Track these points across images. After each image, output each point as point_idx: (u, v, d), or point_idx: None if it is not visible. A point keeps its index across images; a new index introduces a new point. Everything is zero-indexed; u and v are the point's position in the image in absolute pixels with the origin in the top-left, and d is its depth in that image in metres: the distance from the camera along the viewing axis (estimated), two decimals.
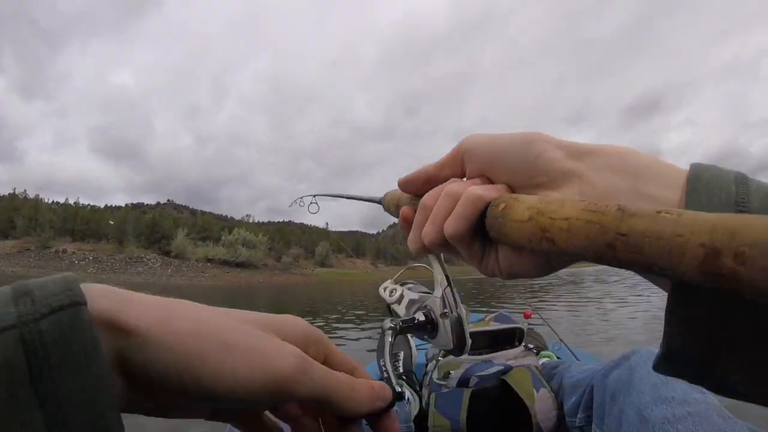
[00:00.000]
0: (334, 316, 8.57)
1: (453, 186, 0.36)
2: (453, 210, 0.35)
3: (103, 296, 0.23)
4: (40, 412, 0.19)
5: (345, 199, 0.74)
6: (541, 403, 1.05)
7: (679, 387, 0.75)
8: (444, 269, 0.45)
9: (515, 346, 1.31)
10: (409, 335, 1.44)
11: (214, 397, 0.24)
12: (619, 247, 0.23)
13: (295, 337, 0.29)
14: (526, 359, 1.25)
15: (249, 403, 0.25)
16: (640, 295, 9.52)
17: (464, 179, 0.39)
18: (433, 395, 1.18)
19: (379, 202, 0.56)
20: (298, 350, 0.27)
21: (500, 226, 0.32)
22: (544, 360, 1.35)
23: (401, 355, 1.48)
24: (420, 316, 0.45)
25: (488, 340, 1.40)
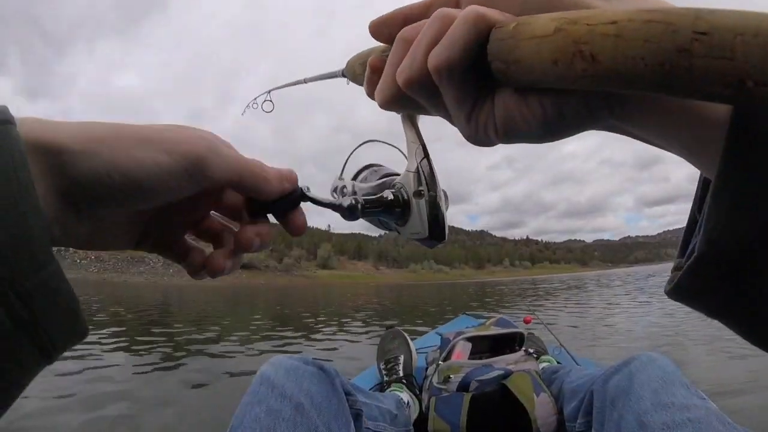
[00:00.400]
0: (334, 321, 8.56)
1: (445, 9, 0.27)
2: (443, 37, 0.26)
3: (31, 121, 0.25)
4: None
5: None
6: (541, 408, 1.05)
7: (679, 392, 0.75)
8: (419, 135, 0.37)
9: (515, 351, 1.31)
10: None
11: (143, 190, 0.27)
12: (697, 52, 0.16)
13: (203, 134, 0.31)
14: (527, 364, 1.25)
15: (175, 188, 0.28)
16: (640, 301, 9.51)
17: None
18: (433, 399, 1.17)
19: (341, 74, 0.45)
20: (210, 134, 0.30)
21: (510, 50, 0.23)
22: (545, 365, 1.35)
23: (401, 358, 1.48)
24: (388, 195, 0.37)
25: (489, 344, 1.40)
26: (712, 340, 4.14)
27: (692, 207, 0.28)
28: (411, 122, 0.37)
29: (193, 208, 0.34)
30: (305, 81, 0.63)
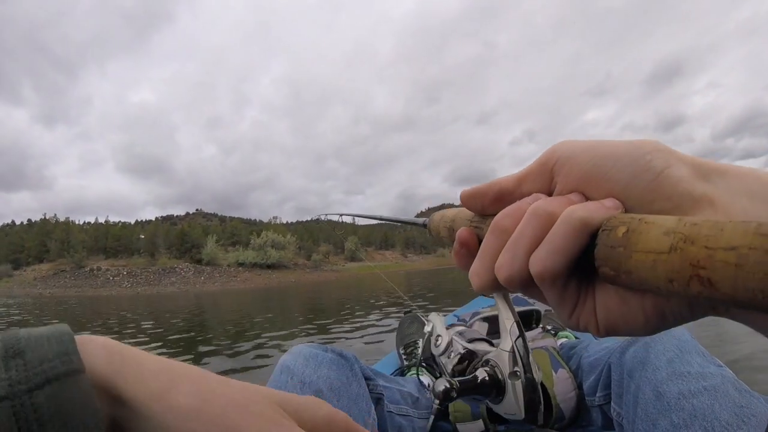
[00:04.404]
0: (360, 311, 8.62)
1: (543, 203, 0.27)
2: (544, 237, 0.26)
3: (100, 358, 0.21)
4: None
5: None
6: (560, 384, 1.03)
7: (695, 361, 0.73)
8: (514, 313, 0.35)
9: (533, 328, 1.29)
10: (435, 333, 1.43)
11: None
12: None
13: (313, 424, 0.25)
14: (544, 341, 1.23)
15: None
16: None
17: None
18: None
19: (423, 225, 0.45)
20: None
21: (621, 260, 0.23)
22: (563, 340, 1.33)
23: (420, 342, 1.48)
24: (482, 374, 0.35)
25: None
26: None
27: None
28: (504, 298, 0.36)
29: None
30: (381, 219, 0.63)
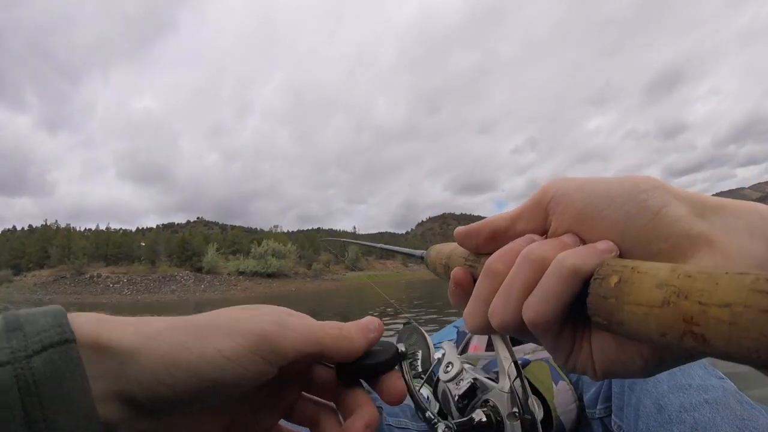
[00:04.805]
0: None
1: (534, 248, 0.27)
2: (536, 282, 0.26)
3: (88, 324, 0.23)
4: None
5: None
6: (560, 396, 1.02)
7: (697, 373, 0.73)
8: (512, 354, 0.34)
9: None
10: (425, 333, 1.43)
11: (212, 383, 0.24)
12: None
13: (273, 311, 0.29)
14: (544, 352, 1.23)
15: (245, 375, 0.25)
16: None
17: (545, 237, 0.30)
18: None
19: (420, 258, 0.46)
20: (272, 308, 0.28)
21: (613, 311, 0.22)
22: None
23: (419, 354, 1.46)
24: (480, 416, 0.35)
25: None
26: None
27: None
28: (502, 340, 0.36)
29: (281, 392, 0.31)
30: (381, 247, 0.66)
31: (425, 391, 1.26)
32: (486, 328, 0.30)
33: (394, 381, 0.30)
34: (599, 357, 0.26)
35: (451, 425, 0.35)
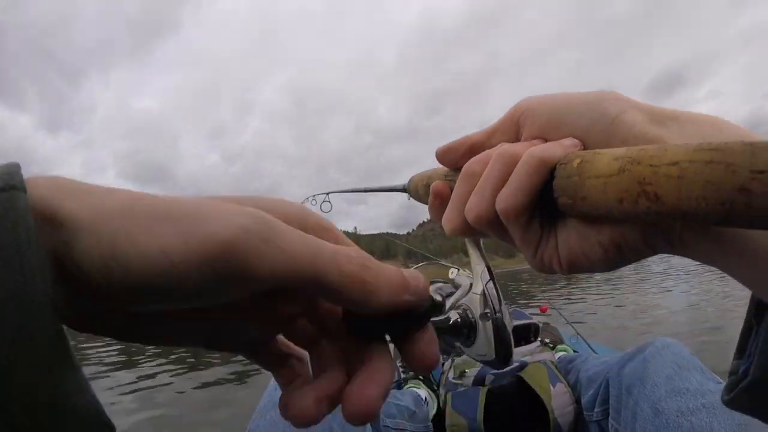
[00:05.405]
0: None
1: (507, 147, 0.29)
2: (509, 176, 0.28)
3: (44, 185, 0.19)
4: None
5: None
6: (557, 398, 1.02)
7: (694, 378, 0.72)
8: (484, 258, 0.37)
9: (531, 342, 1.29)
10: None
11: (149, 284, 0.18)
12: (756, 190, 0.17)
13: (283, 215, 0.20)
14: (542, 354, 1.23)
15: (193, 292, 0.18)
16: (664, 287, 9.23)
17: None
18: (449, 395, 1.16)
19: (403, 189, 0.47)
20: (255, 211, 0.19)
21: (576, 187, 0.25)
22: (561, 354, 1.32)
23: None
24: (454, 316, 0.36)
25: None
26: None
27: (748, 310, 0.27)
28: (476, 244, 0.38)
29: (275, 305, 0.23)
30: (365, 190, 0.64)
31: (422, 393, 1.26)
32: (462, 228, 0.32)
33: (427, 342, 0.22)
34: (564, 249, 0.28)
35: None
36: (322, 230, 0.22)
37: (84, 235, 0.18)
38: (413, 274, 0.22)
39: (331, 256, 0.19)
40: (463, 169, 0.32)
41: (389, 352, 0.23)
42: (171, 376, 3.92)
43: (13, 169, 0.18)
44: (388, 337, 0.23)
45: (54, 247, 0.18)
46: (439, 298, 0.23)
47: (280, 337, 0.25)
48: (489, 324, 0.35)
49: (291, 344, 0.25)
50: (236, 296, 0.19)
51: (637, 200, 0.21)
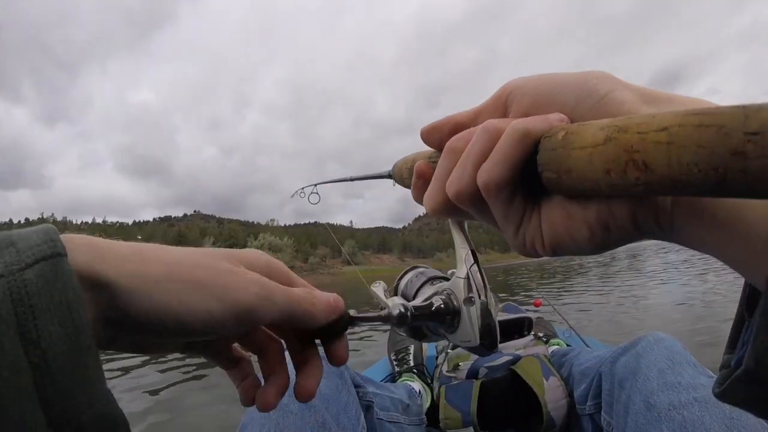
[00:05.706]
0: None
1: (491, 121, 0.28)
2: (491, 151, 0.27)
3: (82, 249, 0.24)
4: (26, 358, 0.20)
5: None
6: (550, 392, 1.02)
7: (686, 372, 0.72)
8: (469, 241, 0.35)
9: (524, 336, 1.29)
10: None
11: (193, 333, 0.26)
12: (751, 153, 0.15)
13: (258, 266, 0.30)
14: (536, 348, 1.23)
15: (223, 334, 0.27)
16: (659, 282, 9.27)
17: None
18: (443, 388, 1.16)
19: (388, 175, 0.46)
20: (259, 277, 0.29)
21: (561, 160, 0.23)
22: (554, 348, 1.32)
23: (411, 348, 1.46)
24: (438, 302, 0.35)
25: None
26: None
27: (740, 303, 0.26)
28: (459, 227, 0.37)
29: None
30: (351, 179, 0.64)
31: (416, 386, 1.25)
32: (444, 206, 0.31)
33: (339, 346, 0.33)
34: (547, 228, 0.27)
35: (408, 306, 0.35)
36: (280, 273, 0.32)
37: (132, 297, 0.24)
38: (337, 298, 0.32)
39: (297, 300, 0.30)
40: (446, 146, 0.31)
41: (318, 353, 0.34)
42: (162, 372, 3.91)
43: (54, 236, 0.23)
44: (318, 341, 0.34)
45: (99, 301, 0.24)
46: (353, 313, 0.33)
47: (235, 345, 0.35)
48: (473, 309, 0.34)
49: (241, 350, 0.35)
50: (243, 332, 0.31)
51: (625, 170, 0.20)
